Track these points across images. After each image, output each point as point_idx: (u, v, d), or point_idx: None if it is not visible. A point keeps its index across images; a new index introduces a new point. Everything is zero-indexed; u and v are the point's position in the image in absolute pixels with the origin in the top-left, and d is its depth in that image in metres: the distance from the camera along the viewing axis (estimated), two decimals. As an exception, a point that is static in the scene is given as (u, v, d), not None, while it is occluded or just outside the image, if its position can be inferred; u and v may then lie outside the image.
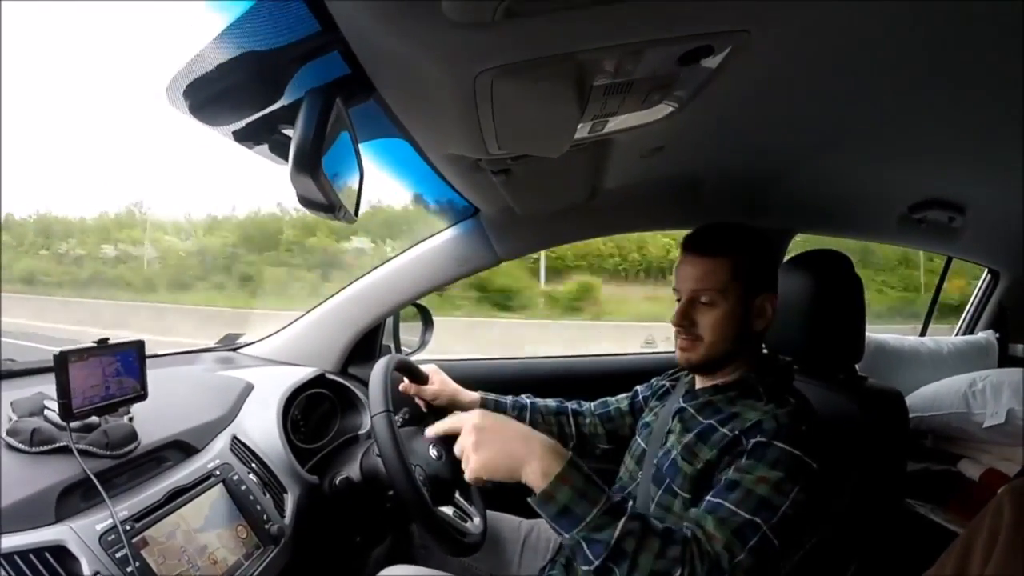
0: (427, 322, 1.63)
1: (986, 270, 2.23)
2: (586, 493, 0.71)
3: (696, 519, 0.76)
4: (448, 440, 1.16)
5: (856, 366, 1.12)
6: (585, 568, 0.71)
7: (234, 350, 1.54)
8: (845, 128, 1.01)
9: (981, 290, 2.27)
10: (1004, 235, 1.80)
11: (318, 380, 1.35)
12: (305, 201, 0.63)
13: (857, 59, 0.72)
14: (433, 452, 1.09)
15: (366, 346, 1.53)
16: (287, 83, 0.65)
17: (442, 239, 1.46)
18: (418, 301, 1.53)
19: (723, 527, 0.73)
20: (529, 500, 0.73)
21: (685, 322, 0.92)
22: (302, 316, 1.53)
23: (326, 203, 0.61)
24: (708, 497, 0.79)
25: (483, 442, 0.76)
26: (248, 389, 1.19)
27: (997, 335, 2.13)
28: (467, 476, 0.76)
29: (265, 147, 0.75)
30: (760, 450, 0.80)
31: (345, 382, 1.40)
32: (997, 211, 1.57)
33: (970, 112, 0.91)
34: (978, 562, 0.64)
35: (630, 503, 0.75)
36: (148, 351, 0.87)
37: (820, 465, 0.80)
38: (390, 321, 1.58)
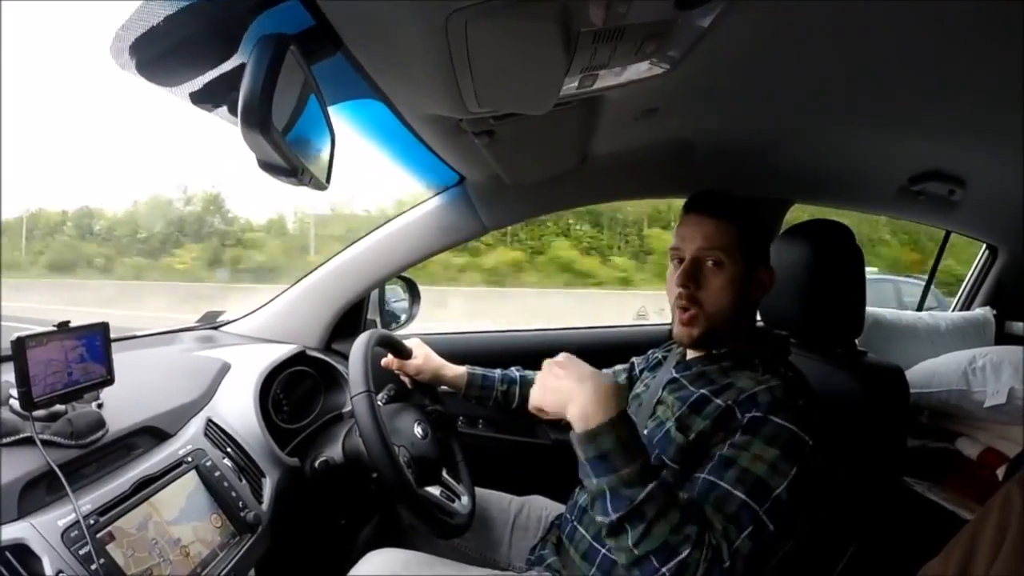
0: (413, 295, 1.59)
1: (984, 245, 2.20)
2: (628, 447, 0.70)
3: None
4: (433, 418, 1.14)
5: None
6: (600, 519, 0.70)
7: (215, 328, 1.49)
8: (845, 96, 0.98)
9: (979, 266, 2.24)
10: (1004, 210, 1.76)
11: (299, 357, 1.30)
12: (264, 165, 0.57)
13: (858, 25, 0.68)
14: (418, 431, 1.06)
15: (350, 321, 1.49)
16: (242, 36, 0.59)
17: (426, 208, 1.40)
18: (404, 273, 1.49)
19: (719, 513, 0.71)
20: (571, 434, 0.73)
21: (690, 283, 0.88)
22: (284, 291, 1.48)
23: (286, 166, 0.55)
24: (702, 475, 0.76)
25: (547, 376, 0.77)
26: (224, 369, 1.13)
27: (995, 312, 2.10)
28: (528, 404, 0.80)
29: (224, 110, 0.69)
30: (756, 425, 0.77)
31: (327, 358, 1.35)
32: (997, 185, 1.53)
33: (975, 82, 0.88)
34: (984, 559, 0.61)
35: (665, 471, 0.74)
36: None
37: (816, 441, 0.78)
38: (375, 295, 1.53)
